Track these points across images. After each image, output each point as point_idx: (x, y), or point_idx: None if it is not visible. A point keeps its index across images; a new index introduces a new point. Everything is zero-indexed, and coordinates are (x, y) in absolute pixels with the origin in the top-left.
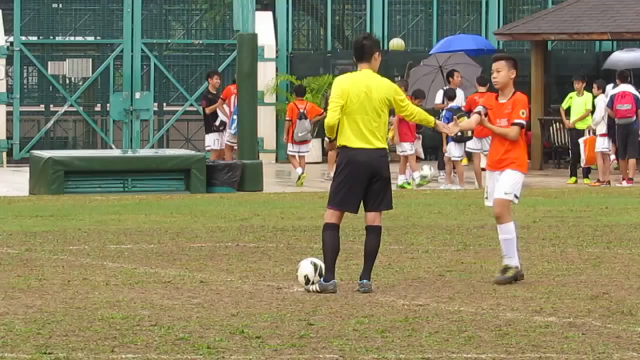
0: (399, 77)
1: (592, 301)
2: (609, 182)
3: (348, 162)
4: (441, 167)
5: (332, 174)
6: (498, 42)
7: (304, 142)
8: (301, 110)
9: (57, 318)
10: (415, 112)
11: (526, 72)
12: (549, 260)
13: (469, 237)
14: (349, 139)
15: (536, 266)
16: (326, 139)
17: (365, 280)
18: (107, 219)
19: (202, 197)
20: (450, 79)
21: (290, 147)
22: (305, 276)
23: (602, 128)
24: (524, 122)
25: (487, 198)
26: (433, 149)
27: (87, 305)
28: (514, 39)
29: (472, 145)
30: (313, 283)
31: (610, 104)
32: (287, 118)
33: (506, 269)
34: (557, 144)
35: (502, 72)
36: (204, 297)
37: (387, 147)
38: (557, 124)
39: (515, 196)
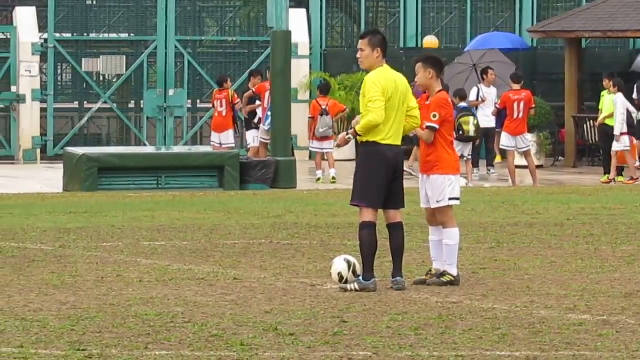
0: None
1: (626, 299)
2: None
3: (377, 159)
4: (475, 164)
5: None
6: (532, 40)
7: (326, 138)
8: (323, 107)
9: (91, 315)
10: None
11: (560, 70)
12: (583, 258)
13: (502, 234)
14: (379, 135)
15: (570, 264)
16: (347, 135)
17: (398, 278)
18: (140, 215)
19: (236, 194)
20: (485, 76)
21: (313, 144)
22: (339, 273)
23: (623, 127)
24: (434, 125)
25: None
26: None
27: (121, 302)
28: (547, 37)
29: (505, 142)
30: (347, 280)
31: None
32: (310, 115)
33: (443, 274)
34: (591, 142)
35: (419, 74)
36: (238, 294)
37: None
38: (591, 121)
39: (450, 199)
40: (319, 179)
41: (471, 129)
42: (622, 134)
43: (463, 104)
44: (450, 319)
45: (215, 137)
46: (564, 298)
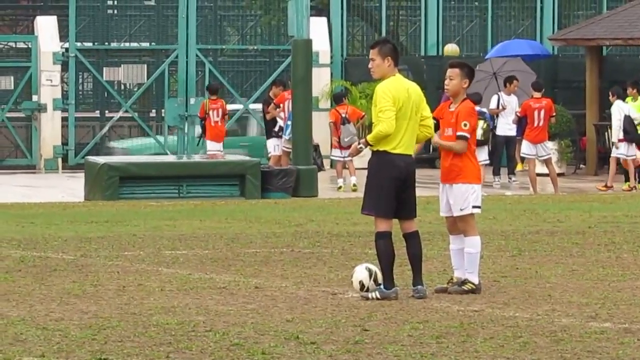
0: None
1: None
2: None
3: (388, 168)
4: (496, 173)
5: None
6: (552, 48)
7: (350, 146)
8: (343, 115)
9: (112, 324)
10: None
11: (581, 78)
12: (604, 265)
13: (524, 242)
14: (390, 144)
15: (591, 272)
16: (358, 145)
17: (419, 286)
18: (161, 224)
19: (257, 202)
20: (508, 84)
21: (334, 152)
22: (360, 282)
23: (620, 134)
24: (466, 134)
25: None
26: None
27: (142, 311)
28: (568, 44)
29: (526, 150)
30: (368, 289)
31: None
32: (331, 120)
33: (464, 282)
34: (612, 149)
35: (454, 80)
36: (259, 302)
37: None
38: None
39: (474, 207)
40: (340, 188)
41: (478, 133)
42: (619, 140)
43: (476, 108)
44: (471, 328)
45: (217, 146)
46: (586, 306)
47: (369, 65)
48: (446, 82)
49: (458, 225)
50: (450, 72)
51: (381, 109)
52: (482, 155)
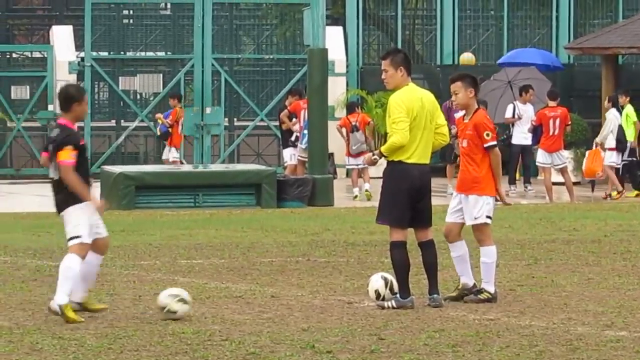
0: None
1: None
2: (610, 196)
3: (402, 178)
4: (512, 182)
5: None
6: (568, 56)
7: (361, 154)
8: (353, 123)
9: (129, 333)
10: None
11: (597, 86)
12: (620, 274)
13: (540, 251)
14: (405, 154)
15: (607, 280)
16: (373, 156)
17: (435, 295)
18: (177, 234)
19: (273, 211)
20: (523, 94)
21: (349, 161)
22: (376, 291)
23: (610, 142)
24: (493, 142)
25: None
26: (504, 162)
27: (158, 320)
28: (584, 53)
29: (541, 159)
30: (384, 298)
31: None
32: (340, 124)
33: (481, 291)
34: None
35: (459, 94)
36: (275, 311)
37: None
38: None
39: (487, 217)
40: (355, 197)
41: None
42: (610, 149)
43: None
44: (487, 336)
45: (179, 153)
46: (602, 315)
47: (382, 77)
48: (452, 98)
49: (474, 234)
50: (453, 87)
51: (395, 120)
52: None
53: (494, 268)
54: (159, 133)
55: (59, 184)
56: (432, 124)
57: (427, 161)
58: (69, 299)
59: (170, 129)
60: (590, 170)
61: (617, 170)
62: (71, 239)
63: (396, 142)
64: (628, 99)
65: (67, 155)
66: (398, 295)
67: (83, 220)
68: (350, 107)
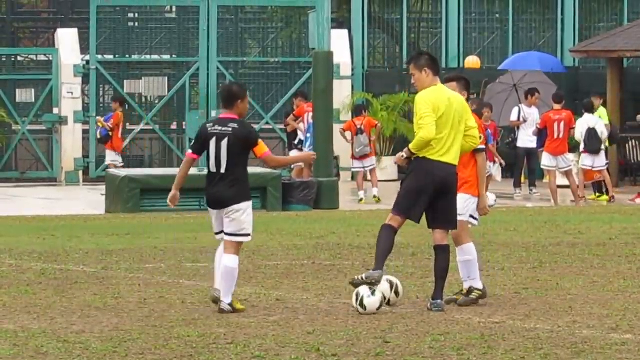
0: (475, 95)
1: None
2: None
3: (425, 173)
4: (517, 185)
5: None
6: (573, 60)
7: (365, 156)
8: (358, 126)
9: (134, 336)
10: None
11: (602, 90)
12: (626, 277)
13: (545, 254)
14: (430, 151)
15: (612, 284)
16: (403, 154)
17: (438, 300)
18: (183, 237)
19: (278, 215)
20: (529, 97)
21: (354, 164)
22: (381, 293)
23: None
24: (483, 147)
25: None
26: (509, 166)
27: (164, 324)
28: (589, 56)
29: (546, 162)
30: (389, 302)
31: None
32: (343, 128)
33: (470, 291)
34: (633, 161)
35: None
36: (280, 315)
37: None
38: (633, 141)
39: (471, 217)
40: (361, 200)
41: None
42: (583, 152)
43: None
44: (492, 339)
45: (119, 157)
46: (607, 318)
47: (412, 81)
48: None
49: (452, 234)
50: (448, 87)
51: (421, 116)
52: (494, 169)
53: (477, 264)
54: (98, 136)
55: (232, 178)
56: (460, 125)
57: (455, 162)
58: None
59: (110, 133)
60: (589, 175)
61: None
62: (240, 235)
63: (423, 137)
64: (601, 101)
65: (264, 147)
66: (371, 269)
67: (250, 220)
68: (358, 110)
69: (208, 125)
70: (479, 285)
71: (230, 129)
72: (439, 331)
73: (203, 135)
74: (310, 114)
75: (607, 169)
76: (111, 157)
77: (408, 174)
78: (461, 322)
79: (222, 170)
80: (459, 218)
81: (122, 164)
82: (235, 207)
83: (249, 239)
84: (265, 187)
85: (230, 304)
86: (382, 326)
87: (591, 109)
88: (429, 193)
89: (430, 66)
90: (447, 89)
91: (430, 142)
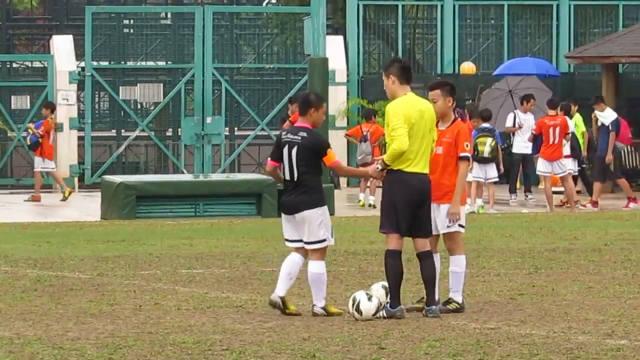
0: (470, 101)
1: None
2: (576, 202)
3: (401, 187)
4: (512, 190)
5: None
6: (569, 65)
7: (366, 164)
8: (364, 133)
9: (129, 343)
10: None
11: (597, 95)
12: (621, 283)
13: (540, 260)
14: (404, 163)
15: (608, 289)
16: (378, 165)
17: (432, 307)
18: (178, 243)
19: (274, 221)
20: (525, 103)
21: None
22: (377, 299)
23: (566, 149)
24: (469, 154)
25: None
26: (505, 171)
27: (159, 330)
28: (584, 62)
29: (542, 168)
30: (384, 307)
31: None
32: (346, 133)
33: (449, 301)
34: (628, 167)
35: (438, 102)
36: (276, 321)
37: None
38: (628, 146)
39: (460, 225)
40: (360, 202)
41: (486, 150)
42: (565, 156)
43: (485, 125)
44: (488, 345)
45: (51, 164)
46: (602, 323)
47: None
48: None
49: (445, 243)
50: (431, 95)
51: (393, 127)
52: (491, 172)
53: (463, 278)
54: (28, 143)
55: (302, 185)
56: (431, 134)
57: (427, 170)
58: (278, 293)
59: (40, 139)
60: (556, 180)
61: (574, 177)
62: (317, 242)
63: (396, 148)
64: (577, 107)
65: (334, 156)
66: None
67: (327, 223)
68: (367, 115)
69: (283, 133)
70: (459, 299)
71: (299, 138)
72: (435, 337)
73: (278, 142)
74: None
75: (582, 177)
76: (40, 164)
77: (384, 189)
78: (457, 328)
79: (295, 178)
80: (449, 230)
81: (54, 169)
82: (306, 213)
83: (325, 244)
84: (260, 193)
85: (323, 308)
86: (377, 332)
87: (568, 113)
88: (409, 205)
89: (397, 74)
90: (418, 98)
91: (404, 153)
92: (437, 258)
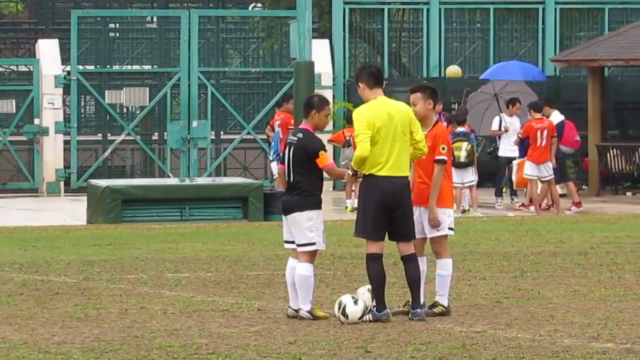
0: (457, 104)
1: None
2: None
3: (374, 191)
4: (498, 194)
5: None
6: (555, 69)
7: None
8: (347, 138)
9: (115, 347)
10: (422, 147)
11: (583, 99)
12: (607, 286)
13: (526, 263)
14: (375, 167)
15: (594, 292)
16: (349, 171)
17: (418, 310)
18: (164, 247)
19: (260, 225)
20: (511, 106)
21: None
22: (363, 303)
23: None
24: (445, 157)
25: None
26: (491, 175)
27: (145, 334)
28: (570, 65)
29: (529, 171)
30: (370, 311)
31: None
32: (329, 139)
33: (435, 305)
34: (614, 170)
35: (418, 105)
36: (262, 325)
37: (409, 175)
38: (614, 150)
39: (449, 228)
40: (347, 208)
41: (462, 155)
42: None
43: (461, 129)
44: (474, 349)
45: None
46: (588, 327)
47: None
48: (412, 108)
49: (432, 246)
50: (412, 97)
51: (356, 134)
52: (468, 176)
53: (449, 281)
54: None
55: (297, 187)
56: (406, 136)
57: (404, 173)
58: (304, 306)
59: None
60: (521, 181)
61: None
62: (306, 244)
63: (358, 154)
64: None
65: (326, 159)
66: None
67: (319, 227)
68: (350, 119)
69: (290, 134)
70: (445, 303)
71: (296, 139)
72: (421, 340)
73: (284, 144)
74: (278, 122)
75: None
76: None
77: (360, 195)
78: (443, 332)
79: (291, 179)
80: (437, 233)
81: None
82: (297, 214)
83: (314, 247)
84: (246, 197)
85: (309, 311)
86: (363, 336)
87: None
88: (382, 209)
89: (366, 80)
90: (389, 101)
91: (366, 158)
92: (423, 261)
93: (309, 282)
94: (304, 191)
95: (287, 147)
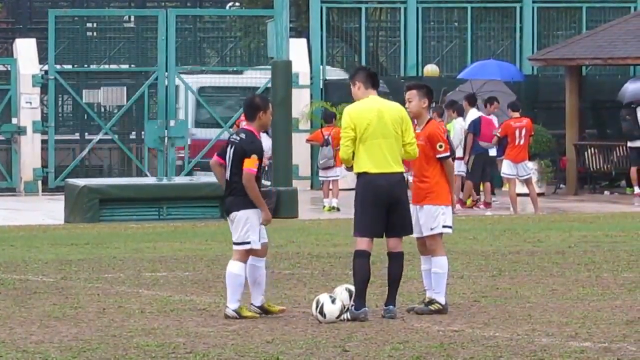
0: (434, 104)
1: (628, 326)
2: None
3: (368, 188)
4: (477, 192)
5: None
6: (532, 68)
7: (328, 168)
8: (326, 137)
9: (93, 346)
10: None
11: (561, 98)
12: (584, 285)
13: (504, 262)
14: (367, 164)
15: (571, 291)
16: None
17: (390, 307)
18: (142, 246)
19: None
20: (489, 105)
21: (320, 173)
22: (341, 302)
23: (459, 151)
24: (447, 154)
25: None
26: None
27: (123, 333)
28: (548, 64)
29: (507, 170)
30: (348, 310)
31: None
32: (307, 138)
33: (431, 302)
34: (592, 169)
35: (413, 102)
36: (239, 324)
37: (404, 170)
38: (592, 149)
39: (444, 226)
40: (324, 207)
41: None
42: (456, 158)
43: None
44: (451, 348)
45: None
46: (566, 325)
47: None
48: (406, 105)
49: (427, 244)
50: (408, 94)
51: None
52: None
53: (445, 279)
54: None
55: (233, 187)
56: (397, 133)
57: (396, 169)
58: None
59: None
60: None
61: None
62: (240, 243)
63: (341, 155)
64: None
65: (252, 164)
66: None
67: (254, 226)
68: (328, 118)
69: (232, 133)
70: (442, 301)
71: (238, 139)
72: (398, 340)
73: (226, 141)
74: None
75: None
76: None
77: (355, 193)
78: (420, 331)
79: (229, 178)
80: (432, 232)
81: None
82: (233, 214)
83: (248, 247)
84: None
85: (235, 310)
86: (341, 335)
87: (461, 113)
88: (378, 206)
89: (363, 80)
90: (379, 100)
91: (349, 159)
92: (428, 260)
93: (238, 281)
94: (239, 191)
95: (229, 146)
